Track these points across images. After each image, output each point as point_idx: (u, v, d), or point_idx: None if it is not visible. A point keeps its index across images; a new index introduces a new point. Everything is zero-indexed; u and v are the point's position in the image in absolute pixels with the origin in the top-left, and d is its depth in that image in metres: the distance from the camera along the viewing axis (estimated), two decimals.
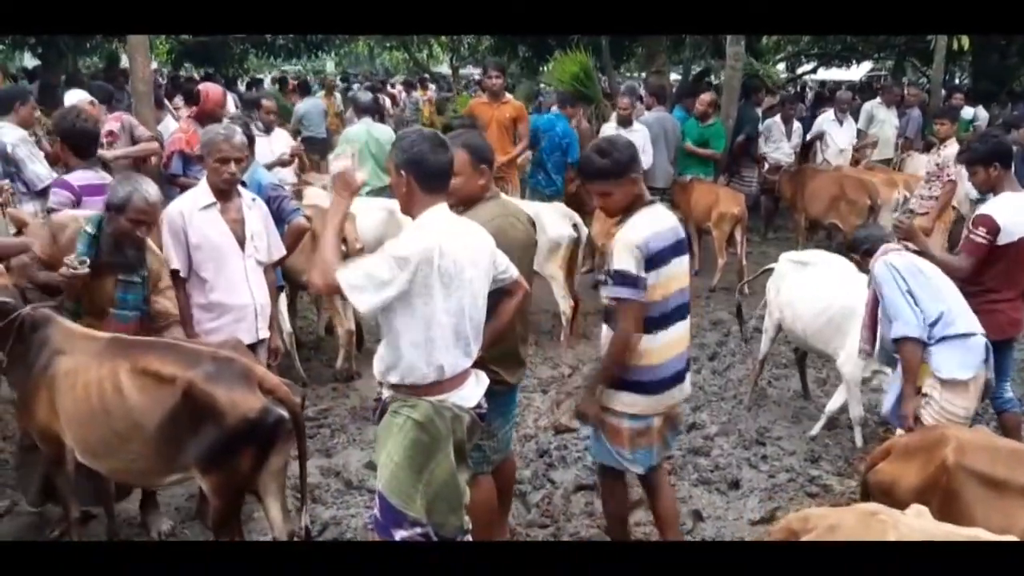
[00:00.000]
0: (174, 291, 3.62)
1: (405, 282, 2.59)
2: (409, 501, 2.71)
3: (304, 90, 13.39)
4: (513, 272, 2.98)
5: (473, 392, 2.84)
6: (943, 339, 3.57)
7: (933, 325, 3.60)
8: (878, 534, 1.99)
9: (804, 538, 2.10)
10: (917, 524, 2.04)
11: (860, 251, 4.08)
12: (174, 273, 3.65)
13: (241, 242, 3.74)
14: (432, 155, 2.71)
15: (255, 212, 3.82)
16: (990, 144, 4.17)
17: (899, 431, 3.66)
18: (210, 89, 5.85)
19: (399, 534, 2.72)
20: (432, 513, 2.76)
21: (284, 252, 4.09)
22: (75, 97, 5.98)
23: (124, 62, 17.44)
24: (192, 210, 3.68)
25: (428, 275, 2.61)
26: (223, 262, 3.68)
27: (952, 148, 6.61)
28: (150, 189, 3.41)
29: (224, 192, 3.71)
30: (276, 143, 6.77)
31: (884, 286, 3.69)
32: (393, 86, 19.15)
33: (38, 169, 4.75)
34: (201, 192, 3.75)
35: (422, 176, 2.71)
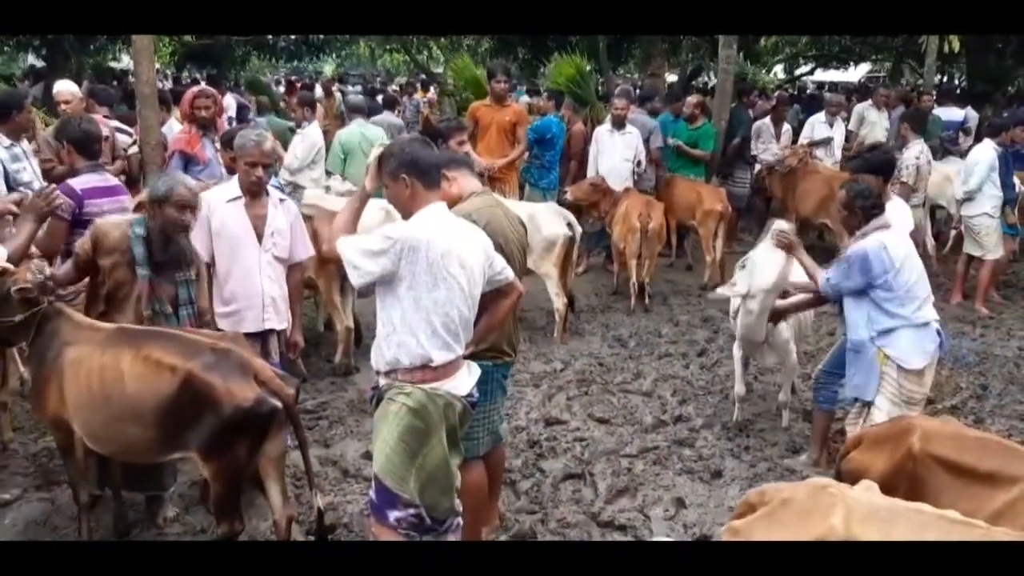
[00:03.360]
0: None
1: (391, 263, 2.78)
2: (403, 483, 2.86)
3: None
4: (508, 274, 3.14)
5: (465, 382, 2.99)
6: (905, 327, 3.85)
7: (908, 320, 3.85)
8: (827, 506, 2.14)
9: (760, 511, 2.25)
10: (864, 497, 2.18)
11: None
12: (208, 265, 3.89)
13: (260, 236, 4.00)
14: (423, 151, 2.97)
15: (281, 211, 4.08)
16: (881, 157, 4.55)
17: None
18: (184, 93, 6.15)
19: (393, 515, 2.88)
20: (424, 495, 2.91)
21: (312, 252, 4.30)
22: (62, 87, 6.18)
23: (124, 63, 17.64)
24: (219, 201, 3.97)
25: (413, 263, 2.78)
26: (239, 252, 3.94)
27: (912, 150, 6.96)
28: (186, 178, 3.67)
29: (253, 192, 4.00)
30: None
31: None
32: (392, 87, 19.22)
33: None
34: (230, 186, 4.06)
35: (421, 172, 2.93)
